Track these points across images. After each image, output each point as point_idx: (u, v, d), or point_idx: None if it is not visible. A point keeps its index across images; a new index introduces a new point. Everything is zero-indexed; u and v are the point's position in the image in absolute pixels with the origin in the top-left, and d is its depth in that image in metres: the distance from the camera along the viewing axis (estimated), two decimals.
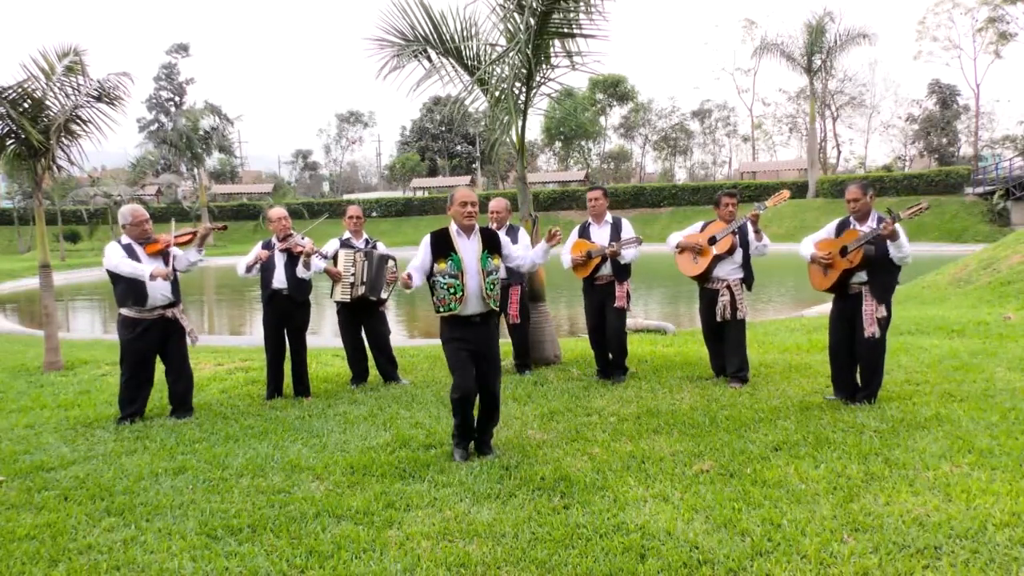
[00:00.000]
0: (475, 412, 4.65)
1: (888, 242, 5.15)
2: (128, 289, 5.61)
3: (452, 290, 4.44)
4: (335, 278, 6.58)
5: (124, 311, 5.68)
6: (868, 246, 5.17)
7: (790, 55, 39.57)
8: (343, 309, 6.79)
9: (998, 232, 29.83)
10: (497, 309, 4.63)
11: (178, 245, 5.85)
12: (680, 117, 65.19)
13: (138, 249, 5.69)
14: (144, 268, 5.50)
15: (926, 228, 33.43)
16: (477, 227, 4.58)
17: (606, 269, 6.48)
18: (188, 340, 5.87)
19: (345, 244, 6.76)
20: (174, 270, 5.75)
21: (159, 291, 5.64)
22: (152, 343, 5.74)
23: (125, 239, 5.73)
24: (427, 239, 4.57)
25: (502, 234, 4.81)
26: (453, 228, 4.55)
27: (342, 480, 4.25)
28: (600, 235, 6.53)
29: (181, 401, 5.87)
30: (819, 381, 6.19)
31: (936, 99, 54.73)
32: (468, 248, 4.50)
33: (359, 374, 6.90)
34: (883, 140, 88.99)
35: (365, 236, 6.90)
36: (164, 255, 5.74)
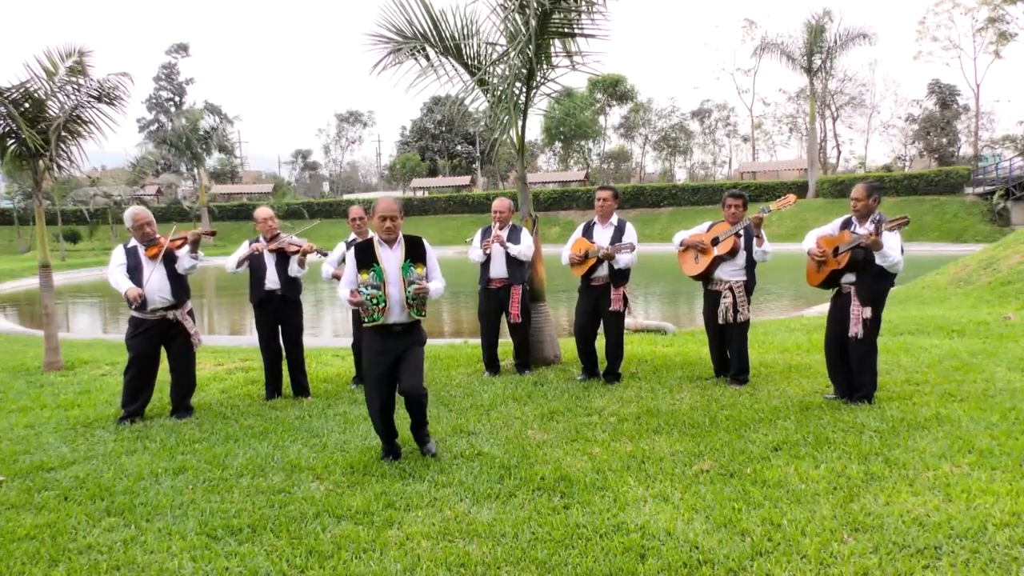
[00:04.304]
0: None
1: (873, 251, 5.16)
2: None
3: (375, 300, 4.42)
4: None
5: (132, 311, 5.80)
6: (857, 250, 5.22)
7: (790, 55, 39.61)
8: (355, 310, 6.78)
9: (998, 232, 29.85)
10: (420, 319, 4.56)
11: (173, 249, 5.84)
12: (680, 117, 65.27)
13: (141, 251, 5.78)
14: (123, 286, 5.61)
15: (926, 228, 33.47)
16: (401, 237, 4.56)
17: (603, 271, 6.48)
18: (193, 342, 5.92)
19: (351, 246, 6.74)
20: (171, 275, 5.76)
21: (157, 294, 5.70)
22: (152, 342, 5.82)
23: (132, 241, 5.85)
24: (351, 252, 4.57)
25: (432, 248, 4.74)
26: (376, 238, 4.56)
27: (342, 480, 4.25)
28: (602, 236, 6.53)
29: (180, 401, 5.91)
30: (819, 381, 6.19)
31: (936, 99, 54.76)
32: (390, 258, 4.50)
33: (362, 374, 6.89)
34: (883, 140, 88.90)
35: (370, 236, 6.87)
36: (165, 257, 5.76)
